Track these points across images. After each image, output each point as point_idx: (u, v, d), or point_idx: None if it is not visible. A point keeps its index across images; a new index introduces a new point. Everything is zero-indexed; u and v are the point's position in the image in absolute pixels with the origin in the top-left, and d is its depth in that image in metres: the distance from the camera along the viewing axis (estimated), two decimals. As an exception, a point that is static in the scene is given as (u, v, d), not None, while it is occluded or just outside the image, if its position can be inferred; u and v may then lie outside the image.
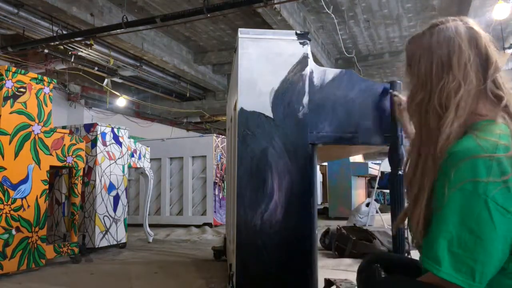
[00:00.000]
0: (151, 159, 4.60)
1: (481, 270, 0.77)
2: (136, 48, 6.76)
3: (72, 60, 6.83)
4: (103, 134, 3.73)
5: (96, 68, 7.60)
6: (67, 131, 3.24)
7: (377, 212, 5.08)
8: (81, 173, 3.27)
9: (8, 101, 2.72)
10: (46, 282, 2.52)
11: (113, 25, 5.39)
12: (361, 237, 3.25)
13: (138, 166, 4.22)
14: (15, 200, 2.71)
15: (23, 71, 2.87)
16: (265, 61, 1.64)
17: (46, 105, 2.98)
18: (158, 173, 6.10)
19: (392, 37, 7.84)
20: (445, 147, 0.87)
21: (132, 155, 4.11)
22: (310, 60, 1.66)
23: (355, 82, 1.70)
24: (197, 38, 7.65)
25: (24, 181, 2.78)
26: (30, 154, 2.83)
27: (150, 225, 4.47)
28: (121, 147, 3.94)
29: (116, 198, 3.84)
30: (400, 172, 1.66)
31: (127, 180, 4.06)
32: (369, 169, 6.60)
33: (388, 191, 3.89)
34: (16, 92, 2.77)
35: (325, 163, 7.31)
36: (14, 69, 2.80)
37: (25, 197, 2.78)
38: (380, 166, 5.47)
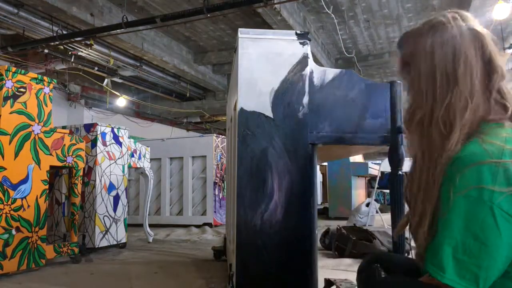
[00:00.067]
0: (151, 159, 4.60)
1: (485, 276, 0.76)
2: (136, 48, 6.76)
3: (72, 60, 6.83)
4: (103, 134, 3.73)
5: (96, 68, 7.61)
6: (67, 131, 3.24)
7: (377, 212, 5.08)
8: (81, 173, 3.27)
9: (8, 101, 2.72)
10: (46, 282, 2.52)
11: (113, 25, 5.39)
12: (361, 237, 3.25)
13: (138, 166, 4.22)
14: (15, 200, 2.71)
15: (23, 71, 2.87)
16: (265, 61, 1.64)
17: (46, 105, 2.98)
18: (158, 173, 6.10)
19: (392, 37, 7.84)
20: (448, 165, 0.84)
21: (132, 155, 4.11)
22: (310, 60, 1.66)
23: (355, 82, 1.69)
24: (197, 38, 7.65)
25: (24, 181, 2.78)
26: (30, 154, 2.83)
27: (150, 225, 4.47)
28: (121, 147, 3.94)
29: (116, 198, 3.84)
30: (400, 172, 1.67)
31: (127, 180, 4.06)
32: (369, 169, 6.60)
33: (388, 191, 3.89)
34: (16, 92, 2.77)
35: (325, 163, 7.31)
36: (14, 69, 2.80)
37: (25, 197, 2.77)
38: (380, 166, 5.47)
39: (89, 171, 3.63)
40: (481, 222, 0.77)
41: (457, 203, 0.79)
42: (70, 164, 3.15)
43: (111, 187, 3.77)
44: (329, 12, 6.04)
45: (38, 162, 2.88)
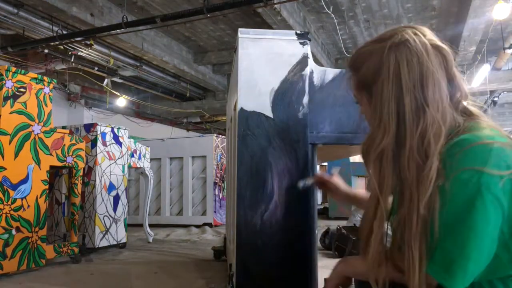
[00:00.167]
0: (151, 159, 4.60)
1: (468, 265, 0.73)
2: (136, 48, 6.76)
3: (72, 60, 6.83)
4: (103, 134, 3.73)
5: (96, 68, 7.60)
6: (67, 131, 3.24)
7: (377, 212, 5.07)
8: (81, 173, 3.27)
9: (8, 101, 2.72)
10: (46, 282, 2.52)
11: (113, 25, 5.39)
12: (361, 237, 3.25)
13: (138, 166, 4.22)
14: (15, 200, 2.71)
15: (23, 71, 2.87)
16: (265, 61, 1.64)
17: (46, 105, 2.98)
18: (158, 173, 6.10)
19: (392, 37, 7.83)
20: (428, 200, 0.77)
21: (132, 155, 4.11)
22: (310, 60, 1.66)
23: (355, 82, 1.69)
24: (197, 38, 7.65)
25: (24, 181, 2.78)
26: (30, 154, 2.83)
27: (150, 225, 4.47)
28: (121, 147, 3.94)
29: (116, 198, 3.84)
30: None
31: (127, 180, 4.06)
32: (369, 169, 6.59)
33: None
34: (16, 92, 2.77)
35: (325, 163, 7.31)
36: (14, 69, 2.80)
37: (25, 197, 2.78)
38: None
39: (89, 171, 3.63)
40: (469, 205, 0.72)
41: (452, 186, 0.74)
42: (70, 164, 3.15)
43: (111, 187, 3.77)
44: (329, 12, 6.04)
45: (38, 162, 2.88)
